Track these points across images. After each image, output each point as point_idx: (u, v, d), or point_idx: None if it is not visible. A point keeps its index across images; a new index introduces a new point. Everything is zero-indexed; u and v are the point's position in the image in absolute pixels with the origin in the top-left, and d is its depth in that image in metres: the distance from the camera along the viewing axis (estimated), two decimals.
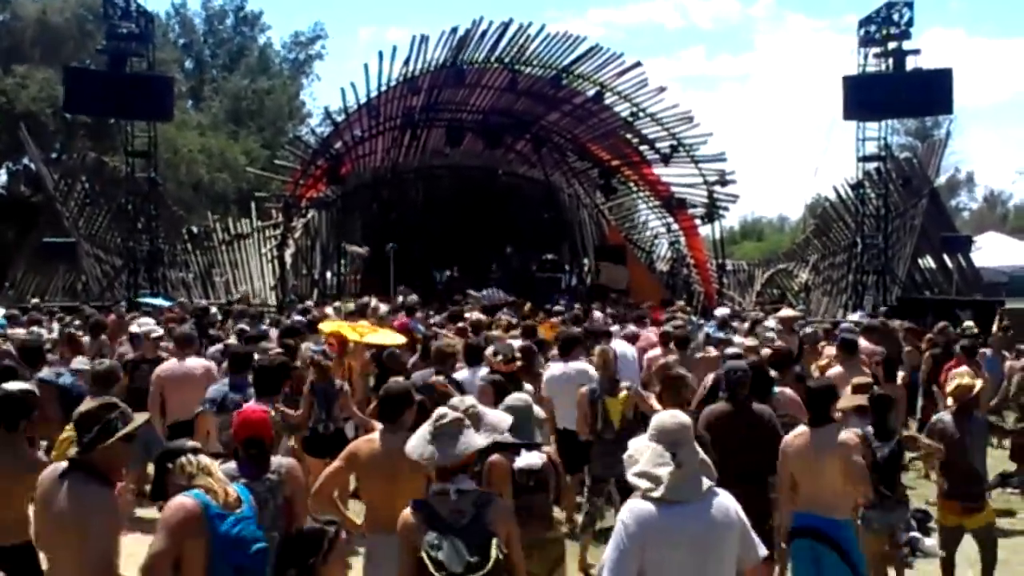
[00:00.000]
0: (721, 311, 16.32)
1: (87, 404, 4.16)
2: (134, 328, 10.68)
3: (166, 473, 4.10)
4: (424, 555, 3.73)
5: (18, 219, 29.54)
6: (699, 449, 3.82)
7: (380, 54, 21.54)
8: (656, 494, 3.65)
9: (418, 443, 4.08)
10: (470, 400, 4.34)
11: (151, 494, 4.50)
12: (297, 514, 4.70)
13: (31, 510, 5.02)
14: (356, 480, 5.17)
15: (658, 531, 3.60)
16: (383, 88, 21.87)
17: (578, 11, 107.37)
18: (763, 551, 3.85)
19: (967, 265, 22.99)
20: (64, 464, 4.07)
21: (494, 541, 3.79)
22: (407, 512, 3.94)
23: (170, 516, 3.82)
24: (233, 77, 48.68)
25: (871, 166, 22.73)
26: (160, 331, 9.60)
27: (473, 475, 4.22)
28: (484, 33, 21.55)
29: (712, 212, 26.00)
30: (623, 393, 7.39)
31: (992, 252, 29.86)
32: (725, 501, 3.75)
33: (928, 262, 23.55)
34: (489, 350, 7.82)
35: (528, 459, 5.00)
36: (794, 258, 28.66)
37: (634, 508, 3.69)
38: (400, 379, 6.57)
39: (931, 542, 8.20)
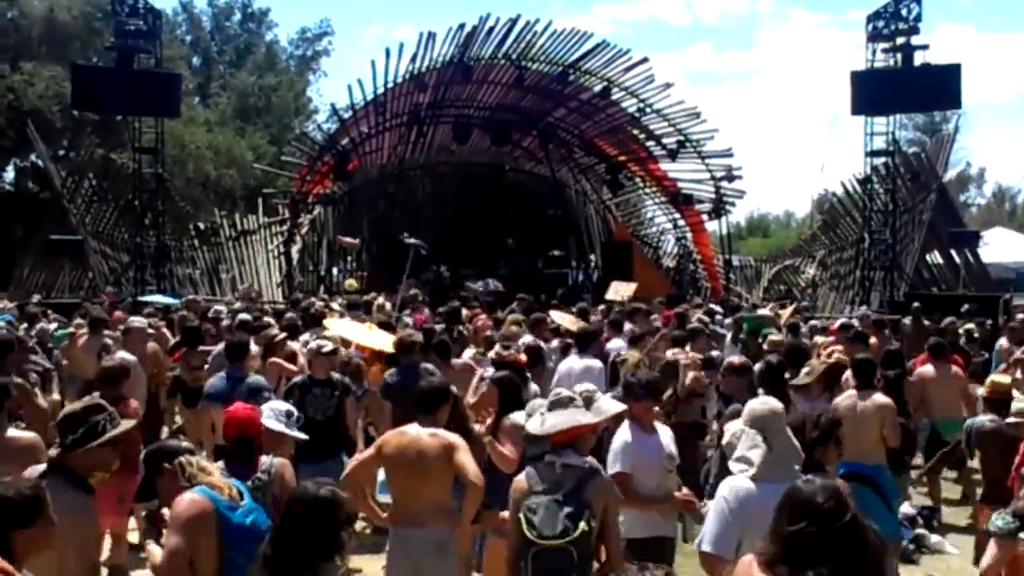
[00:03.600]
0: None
1: (70, 405, 4.08)
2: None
3: (159, 473, 4.07)
4: (522, 516, 4.05)
5: (25, 216, 29.63)
6: (790, 433, 4.05)
7: (387, 51, 21.60)
8: (749, 475, 3.91)
9: (533, 416, 4.48)
10: (591, 386, 4.73)
11: (138, 494, 4.41)
12: None
13: None
14: (384, 472, 5.15)
15: (755, 506, 3.79)
16: (390, 85, 21.87)
17: (584, 7, 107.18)
18: None
19: (975, 261, 22.91)
20: (41, 467, 3.95)
21: (586, 513, 4.02)
22: (520, 477, 4.31)
23: (183, 513, 3.79)
24: (240, 74, 48.73)
25: (879, 161, 22.66)
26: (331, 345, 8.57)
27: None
28: (491, 30, 21.54)
29: (719, 208, 25.98)
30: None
31: (1000, 248, 29.73)
32: None
33: (936, 258, 23.47)
34: (497, 346, 7.81)
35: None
36: (801, 254, 28.59)
37: (733, 484, 3.94)
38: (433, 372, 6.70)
39: (937, 539, 8.23)
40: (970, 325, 13.12)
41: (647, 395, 5.54)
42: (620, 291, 18.25)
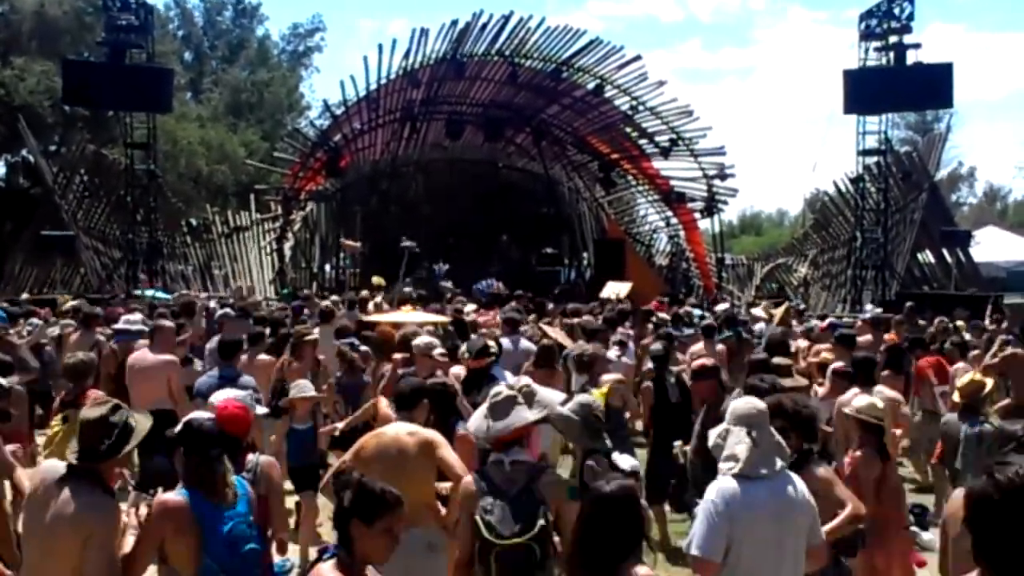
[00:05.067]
0: (721, 307, 16.27)
1: (91, 410, 4.04)
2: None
3: (174, 451, 4.16)
4: (477, 518, 3.99)
5: (16, 212, 29.45)
6: (774, 431, 4.06)
7: (380, 47, 21.55)
8: (735, 470, 3.89)
9: (475, 419, 4.39)
10: (526, 379, 4.59)
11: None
12: (272, 512, 4.64)
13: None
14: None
15: (742, 505, 3.82)
16: (383, 81, 21.87)
17: (577, 4, 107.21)
18: (823, 535, 4.12)
19: (966, 260, 22.98)
20: (61, 468, 3.91)
21: (541, 509, 4.01)
22: (468, 479, 4.26)
23: (155, 512, 3.85)
24: (232, 69, 48.62)
25: (871, 160, 22.72)
26: (441, 347, 7.76)
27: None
28: (484, 26, 21.55)
29: (711, 206, 26.02)
30: (606, 387, 7.38)
31: (991, 247, 29.86)
32: (799, 483, 4.01)
33: (927, 257, 23.54)
34: (462, 348, 7.71)
35: (631, 461, 5.01)
36: (793, 252, 28.66)
37: (719, 485, 3.91)
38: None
39: (928, 536, 8.24)
40: (959, 322, 13.20)
41: None
42: (615, 290, 18.28)
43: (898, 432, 7.01)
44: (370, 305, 13.83)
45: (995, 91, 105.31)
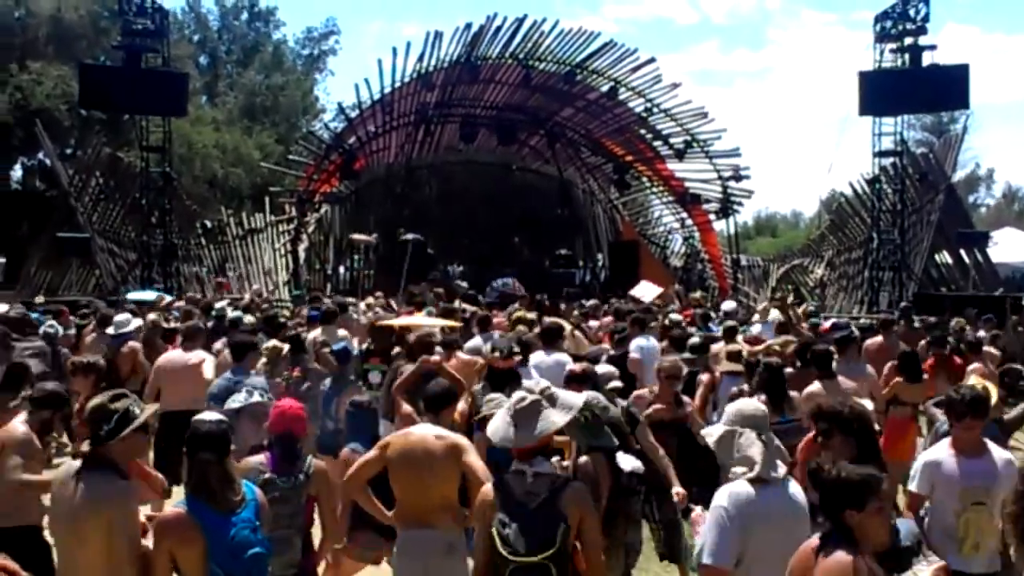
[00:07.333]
0: (728, 305, 16.10)
1: (94, 400, 4.10)
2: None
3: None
4: (494, 531, 3.80)
5: (32, 214, 29.59)
6: (774, 436, 4.02)
7: (394, 50, 21.56)
8: (752, 474, 3.84)
9: (500, 426, 4.09)
10: (545, 383, 4.34)
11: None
12: (322, 517, 4.75)
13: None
14: (388, 472, 5.13)
15: (754, 510, 3.78)
16: (397, 84, 21.87)
17: (592, 7, 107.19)
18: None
19: (984, 261, 22.81)
20: (76, 463, 4.00)
21: (561, 527, 3.80)
22: (487, 488, 4.03)
23: (157, 525, 3.90)
24: (247, 73, 48.79)
25: (887, 161, 22.57)
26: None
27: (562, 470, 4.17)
28: (498, 29, 21.55)
29: (726, 207, 25.92)
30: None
31: (1009, 248, 29.63)
32: (798, 489, 3.97)
33: (945, 258, 23.37)
34: (487, 346, 7.62)
35: (633, 463, 4.89)
36: (809, 254, 28.51)
37: (731, 491, 3.86)
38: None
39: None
40: (956, 320, 13.12)
41: (967, 413, 4.91)
42: (644, 293, 18.07)
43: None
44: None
45: (1012, 93, 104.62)
